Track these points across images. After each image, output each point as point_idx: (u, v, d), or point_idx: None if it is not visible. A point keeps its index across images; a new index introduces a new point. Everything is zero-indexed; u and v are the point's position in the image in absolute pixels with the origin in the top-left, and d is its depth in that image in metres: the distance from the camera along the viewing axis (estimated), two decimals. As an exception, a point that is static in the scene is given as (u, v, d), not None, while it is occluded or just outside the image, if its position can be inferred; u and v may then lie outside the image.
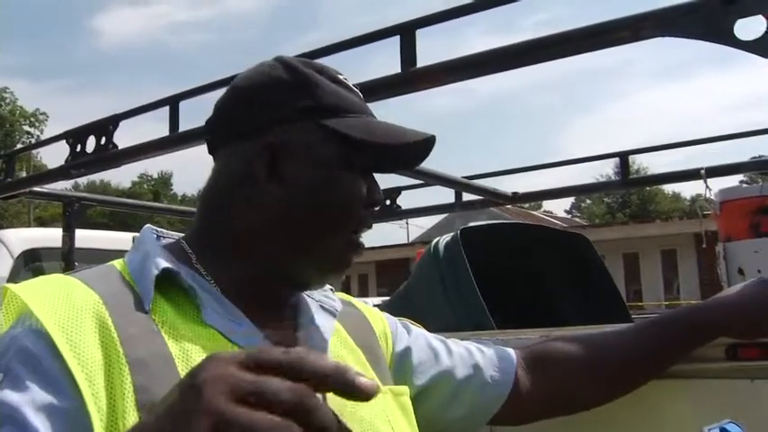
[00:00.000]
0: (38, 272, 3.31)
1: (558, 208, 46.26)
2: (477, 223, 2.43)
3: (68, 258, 3.08)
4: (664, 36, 1.32)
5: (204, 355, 0.71)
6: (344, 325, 0.95)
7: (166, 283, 0.78)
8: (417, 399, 0.98)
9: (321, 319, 0.91)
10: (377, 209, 0.90)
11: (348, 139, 0.83)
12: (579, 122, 73.77)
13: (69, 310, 0.70)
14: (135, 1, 74.63)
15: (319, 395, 0.79)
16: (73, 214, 3.18)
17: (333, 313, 0.93)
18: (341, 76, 0.89)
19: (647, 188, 35.63)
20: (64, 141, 2.56)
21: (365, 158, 0.86)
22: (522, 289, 2.46)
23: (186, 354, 0.73)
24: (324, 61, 0.96)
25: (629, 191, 34.99)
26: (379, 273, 22.09)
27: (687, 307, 1.12)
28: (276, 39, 76.70)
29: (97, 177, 37.58)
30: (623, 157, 3.13)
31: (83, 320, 0.70)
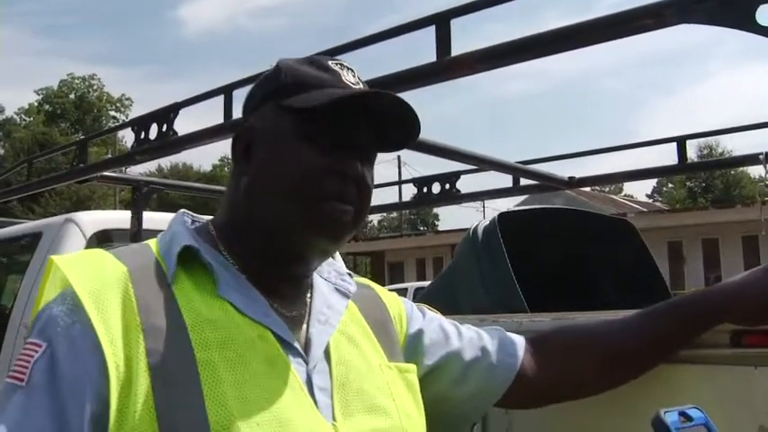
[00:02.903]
0: (109, 252, 3.46)
1: (640, 192, 44.94)
2: (517, 208, 2.44)
3: (136, 239, 3.23)
4: (686, 23, 1.32)
5: (213, 325, 0.80)
6: (359, 305, 1.02)
7: (190, 259, 0.87)
8: (427, 377, 1.03)
9: (334, 299, 0.98)
10: (353, 181, 0.89)
11: (300, 111, 0.88)
12: (662, 104, 71.24)
13: (99, 282, 0.81)
14: (217, -12, 76.04)
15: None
16: (141, 197, 3.34)
17: (346, 295, 1.00)
18: (331, 63, 0.94)
19: (732, 172, 34.22)
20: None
21: (325, 130, 0.88)
22: (564, 273, 2.46)
23: (198, 322, 0.81)
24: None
25: (712, 174, 33.93)
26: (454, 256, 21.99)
27: (692, 293, 1.13)
28: (352, 22, 76.89)
29: (180, 160, 38.82)
30: (681, 141, 3.07)
31: (109, 291, 0.80)
